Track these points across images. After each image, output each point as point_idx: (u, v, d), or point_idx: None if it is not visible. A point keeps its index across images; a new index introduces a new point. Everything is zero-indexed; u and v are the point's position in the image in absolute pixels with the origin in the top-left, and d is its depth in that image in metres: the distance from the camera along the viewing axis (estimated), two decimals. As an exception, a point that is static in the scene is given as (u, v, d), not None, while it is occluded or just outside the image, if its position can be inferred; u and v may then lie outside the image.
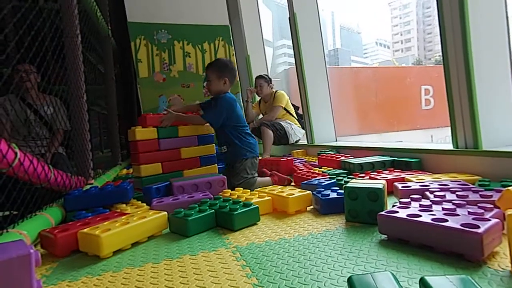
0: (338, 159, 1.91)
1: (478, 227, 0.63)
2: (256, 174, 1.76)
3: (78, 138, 1.57)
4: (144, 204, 1.24)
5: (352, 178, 1.42)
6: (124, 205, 1.24)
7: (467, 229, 0.64)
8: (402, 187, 1.16)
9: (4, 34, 0.90)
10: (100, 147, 4.95)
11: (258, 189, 1.36)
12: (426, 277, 0.46)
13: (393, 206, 0.92)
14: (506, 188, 0.74)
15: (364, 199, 0.97)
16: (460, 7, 1.33)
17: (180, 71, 3.21)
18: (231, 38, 3.44)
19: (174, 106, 1.87)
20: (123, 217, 1.00)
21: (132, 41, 3.06)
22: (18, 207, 0.98)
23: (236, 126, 1.72)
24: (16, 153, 0.88)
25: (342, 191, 1.10)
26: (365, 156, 1.83)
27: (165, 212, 1.04)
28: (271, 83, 3.10)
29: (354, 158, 1.84)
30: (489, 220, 0.67)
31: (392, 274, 0.49)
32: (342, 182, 1.37)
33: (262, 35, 4.21)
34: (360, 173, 1.54)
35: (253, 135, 1.81)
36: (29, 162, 0.91)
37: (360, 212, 0.98)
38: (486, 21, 1.36)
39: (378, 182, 1.03)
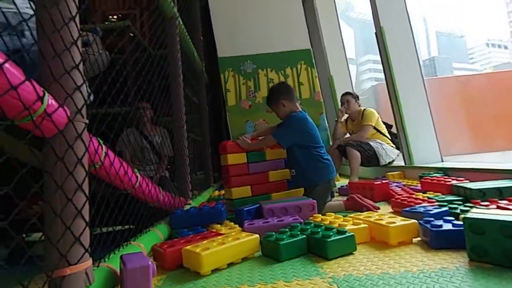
0: (448, 183, 1.63)
1: None
2: (329, 198, 1.65)
3: (179, 162, 1.79)
4: (237, 226, 1.29)
5: (471, 207, 1.18)
6: (219, 225, 1.32)
7: None
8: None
9: (125, 78, 1.12)
10: (195, 170, 5.54)
11: (352, 215, 1.26)
12: None
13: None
14: None
15: (494, 234, 0.78)
16: None
17: (265, 97, 3.37)
18: (313, 60, 3.47)
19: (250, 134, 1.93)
20: (219, 237, 1.06)
21: (221, 74, 3.41)
22: (137, 222, 1.15)
23: (305, 146, 1.64)
24: (137, 177, 1.05)
25: (460, 223, 0.92)
26: (486, 180, 1.51)
27: (257, 235, 1.06)
28: (358, 100, 2.95)
29: (471, 182, 1.54)
30: None
31: None
32: (458, 211, 1.15)
33: (345, 54, 4.12)
34: (482, 201, 1.27)
35: (327, 156, 1.69)
36: (146, 185, 1.07)
37: (491, 250, 0.79)
38: None
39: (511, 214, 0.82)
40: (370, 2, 2.65)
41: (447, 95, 6.68)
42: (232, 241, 0.99)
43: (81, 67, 0.68)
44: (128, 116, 2.30)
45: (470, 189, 1.37)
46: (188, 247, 0.97)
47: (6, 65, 0.50)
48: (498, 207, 1.12)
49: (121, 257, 0.71)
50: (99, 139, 0.79)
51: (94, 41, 1.25)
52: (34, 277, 0.84)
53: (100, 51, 0.99)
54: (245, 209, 1.42)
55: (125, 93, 1.08)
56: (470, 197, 1.36)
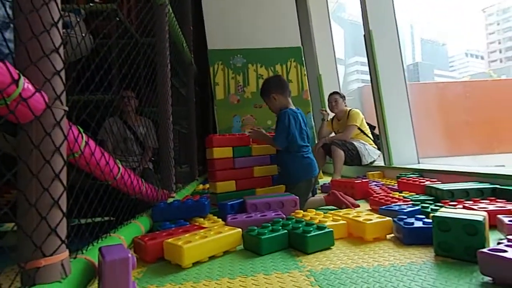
0: (422, 183, 1.70)
1: None
2: (310, 195, 1.68)
3: (164, 155, 1.76)
4: (220, 220, 1.30)
5: (441, 206, 1.24)
6: (202, 219, 1.32)
7: None
8: (510, 221, 0.96)
9: (109, 65, 1.09)
10: (179, 163, 5.49)
11: (332, 212, 1.29)
12: None
13: (499, 243, 0.77)
14: None
15: (459, 232, 0.84)
16: None
17: (253, 92, 3.38)
18: (303, 58, 3.49)
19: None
20: (201, 230, 1.06)
21: (211, 66, 3.37)
22: (117, 214, 1.13)
23: (290, 144, 1.66)
24: (119, 168, 1.03)
25: (430, 221, 0.97)
26: (456, 182, 1.59)
27: (240, 229, 1.07)
28: (345, 100, 3.00)
29: (442, 183, 1.62)
30: None
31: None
32: (429, 210, 1.21)
33: (334, 54, 4.17)
34: (451, 201, 1.34)
35: (310, 155, 1.71)
36: (128, 176, 1.06)
37: (455, 246, 0.85)
38: None
39: (476, 214, 0.88)
40: (361, 5, 2.68)
41: (426, 100, 6.93)
42: (214, 235, 1.00)
43: (61, 50, 0.66)
44: (111, 104, 2.24)
45: (441, 190, 1.44)
46: (169, 239, 0.97)
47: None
48: (464, 207, 1.20)
49: (99, 249, 0.70)
50: (79, 127, 0.77)
51: (77, 23, 1.20)
52: (5, 268, 0.82)
53: (83, 35, 0.95)
54: (228, 203, 1.43)
55: (109, 81, 1.05)
56: (440, 197, 1.44)
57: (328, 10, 4.26)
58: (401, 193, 1.75)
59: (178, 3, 2.42)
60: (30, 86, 0.58)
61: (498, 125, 6.90)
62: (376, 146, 2.87)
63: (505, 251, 0.70)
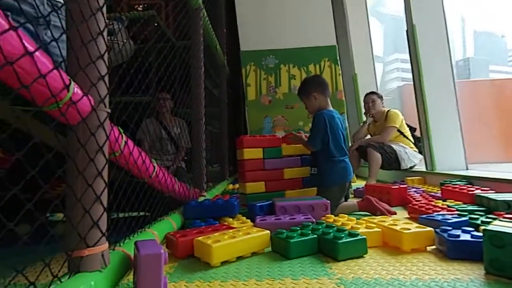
0: (471, 192, 1.56)
1: None
2: (343, 200, 1.63)
3: (196, 154, 1.82)
4: (248, 220, 1.31)
5: (494, 219, 1.13)
6: (231, 219, 1.34)
7: None
8: None
9: (147, 68, 1.15)
10: (210, 162, 5.62)
11: (366, 218, 1.24)
12: None
13: None
14: None
15: (515, 249, 0.75)
16: None
17: (285, 93, 3.36)
18: (337, 57, 3.39)
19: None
20: (230, 230, 1.07)
21: (243, 68, 3.41)
22: (152, 210, 1.18)
23: (326, 146, 1.62)
24: (154, 167, 1.08)
25: (479, 234, 0.88)
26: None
27: (268, 231, 1.06)
28: (382, 100, 2.86)
29: (496, 192, 1.47)
30: None
31: None
32: (479, 222, 1.10)
33: (372, 52, 4.00)
34: (506, 213, 1.21)
35: (346, 159, 1.65)
36: (162, 175, 1.10)
37: (508, 264, 0.76)
38: None
39: (537, 229, 0.78)
40: (403, -3, 2.54)
41: (479, 100, 6.31)
42: (243, 235, 1.01)
43: (105, 56, 0.71)
44: (148, 106, 2.36)
45: (495, 200, 1.31)
46: (200, 238, 1.00)
47: (37, 53, 0.53)
48: (524, 221, 1.06)
49: (135, 243, 0.74)
50: (119, 128, 0.81)
51: (119, 30, 1.28)
52: (56, 255, 0.89)
53: (125, 41, 1.01)
54: (257, 204, 1.43)
55: (146, 83, 1.10)
56: (493, 208, 1.30)
57: (366, 4, 4.09)
58: (445, 201, 1.62)
59: (212, 7, 2.48)
60: (79, 90, 0.63)
61: None
62: (417, 150, 2.70)
63: None
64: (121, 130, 0.81)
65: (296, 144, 1.79)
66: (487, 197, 1.37)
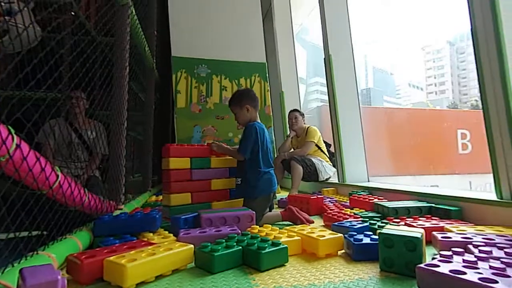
0: (371, 201, 1.80)
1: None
2: (267, 210, 1.69)
3: (114, 162, 1.64)
4: (171, 235, 1.22)
5: (386, 223, 1.32)
6: (152, 234, 1.23)
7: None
8: (442, 237, 1.05)
9: (59, 62, 1.00)
10: (132, 172, 5.15)
11: (288, 227, 1.29)
12: None
13: (433, 258, 0.83)
14: None
15: (400, 248, 0.89)
16: (498, 51, 1.29)
17: (216, 103, 3.35)
18: (267, 74, 3.57)
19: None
20: (149, 247, 0.98)
21: (173, 74, 3.28)
22: (51, 227, 1.00)
23: (254, 157, 1.66)
24: (57, 176, 0.92)
25: (376, 237, 1.01)
26: (400, 200, 1.72)
27: (192, 246, 1.01)
28: (303, 117, 3.11)
29: (388, 201, 1.73)
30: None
31: None
32: (376, 226, 1.27)
33: (296, 73, 4.33)
34: (395, 218, 1.44)
35: (271, 171, 1.72)
36: (68, 185, 0.95)
37: (396, 261, 0.90)
38: None
39: (415, 231, 0.94)
40: (322, 31, 2.85)
41: (376, 123, 7.61)
42: (163, 252, 0.93)
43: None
44: (55, 104, 2.03)
45: (387, 207, 1.54)
46: (111, 257, 0.88)
47: None
48: (406, 224, 1.28)
49: (20, 271, 0.60)
50: (10, 127, 0.67)
51: (20, 10, 1.06)
52: None
53: (28, 24, 0.84)
54: (182, 217, 1.35)
55: (54, 78, 0.94)
56: (386, 214, 1.53)
57: (293, 31, 4.45)
58: (353, 209, 1.83)
59: (142, 6, 2.34)
60: None
61: (433, 149, 7.75)
62: (331, 163, 2.99)
63: (438, 266, 0.75)
64: (12, 130, 0.66)
65: (220, 153, 1.78)
66: (382, 205, 1.60)
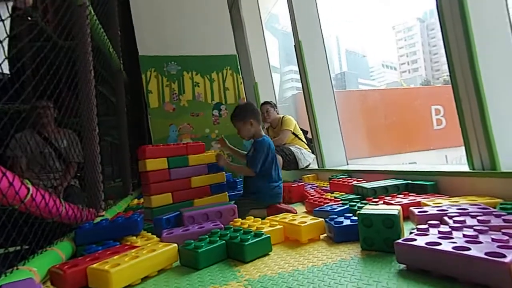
0: (350, 183, 1.86)
1: (505, 256, 0.59)
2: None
3: (89, 170, 1.60)
4: (154, 236, 1.22)
5: (365, 204, 1.38)
6: (135, 237, 1.22)
7: (493, 258, 0.60)
8: (419, 212, 1.11)
9: (21, 71, 0.96)
10: (112, 177, 5.02)
11: (270, 217, 1.33)
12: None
13: (410, 233, 0.88)
14: None
15: (379, 226, 0.94)
16: (464, 27, 1.34)
17: (189, 100, 3.31)
18: (239, 67, 3.55)
19: (223, 147, 1.91)
20: (132, 250, 0.98)
21: (143, 74, 3.19)
22: (30, 241, 0.98)
23: (268, 172, 1.69)
24: (28, 189, 0.89)
25: (356, 218, 1.06)
26: (378, 180, 1.78)
27: (175, 245, 1.02)
28: (276, 108, 3.15)
29: (367, 182, 1.79)
30: (515, 247, 0.63)
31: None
32: (355, 208, 1.33)
33: (268, 63, 4.34)
34: (374, 198, 1.49)
35: (281, 184, 1.75)
36: (41, 197, 0.92)
37: (376, 240, 0.94)
38: (492, 37, 1.36)
39: (393, 208, 0.99)
40: (290, 17, 2.86)
41: (351, 106, 7.84)
42: (147, 254, 0.94)
43: None
44: (19, 116, 1.93)
45: (366, 188, 1.60)
46: (94, 265, 0.88)
47: None
48: (384, 203, 1.34)
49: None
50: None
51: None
52: None
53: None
54: (164, 217, 1.35)
55: (16, 89, 0.90)
56: (366, 195, 1.59)
57: (261, 20, 4.43)
58: (333, 193, 1.88)
59: (102, 5, 2.24)
60: None
61: (408, 127, 8.07)
62: (310, 150, 3.06)
63: (415, 239, 0.80)
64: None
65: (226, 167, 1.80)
66: (360, 186, 1.67)
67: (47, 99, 2.10)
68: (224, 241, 1.04)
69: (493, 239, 0.71)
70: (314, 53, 2.79)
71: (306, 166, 3.00)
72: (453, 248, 0.69)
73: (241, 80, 3.54)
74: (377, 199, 1.45)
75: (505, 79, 1.36)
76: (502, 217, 0.88)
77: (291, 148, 2.91)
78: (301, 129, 3.16)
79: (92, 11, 1.78)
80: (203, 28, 3.49)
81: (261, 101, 3.54)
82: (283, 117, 3.08)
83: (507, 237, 0.70)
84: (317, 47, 2.82)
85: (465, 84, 1.38)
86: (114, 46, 2.67)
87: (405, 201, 1.34)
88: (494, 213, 0.96)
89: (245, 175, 1.77)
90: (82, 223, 1.25)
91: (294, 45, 2.83)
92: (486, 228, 0.80)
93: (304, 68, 2.75)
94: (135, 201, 2.58)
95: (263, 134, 1.80)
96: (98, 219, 1.44)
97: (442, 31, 1.46)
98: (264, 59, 4.31)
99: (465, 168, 1.43)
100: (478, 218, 0.91)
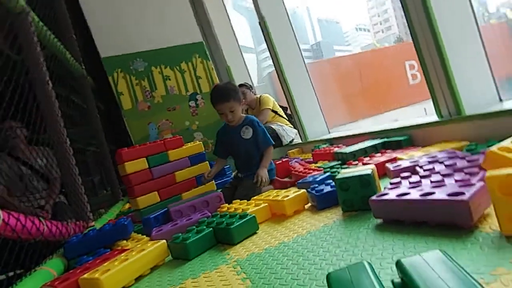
0: (332, 151, 1.89)
1: (464, 193, 0.63)
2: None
3: (68, 183, 1.57)
4: (144, 236, 1.23)
5: (346, 168, 1.41)
6: (125, 241, 1.23)
7: (453, 198, 0.63)
8: (394, 167, 1.15)
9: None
10: (103, 186, 4.95)
11: (255, 197, 1.35)
12: (401, 260, 0.46)
13: (384, 188, 0.92)
14: (489, 149, 0.73)
15: (356, 188, 0.96)
16: None
17: (163, 96, 3.23)
18: (207, 53, 3.47)
19: (212, 171, 1.73)
20: (122, 254, 0.99)
21: (109, 76, 3.08)
22: (21, 265, 0.97)
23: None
24: None
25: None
26: (358, 143, 1.81)
27: (164, 241, 1.03)
28: (252, 89, 3.12)
29: (347, 147, 1.82)
30: (474, 184, 0.66)
31: (368, 263, 0.48)
32: (336, 174, 1.36)
33: (238, 45, 4.25)
34: (354, 161, 1.53)
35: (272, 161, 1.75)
36: (15, 220, 0.91)
37: (355, 200, 0.97)
38: None
39: (367, 168, 1.02)
40: (250, -7, 2.78)
41: (326, 76, 7.86)
42: (136, 254, 0.95)
43: None
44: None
45: (345, 153, 1.64)
46: (85, 275, 0.88)
47: None
48: (363, 163, 1.38)
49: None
50: None
51: None
52: None
53: None
54: (151, 216, 1.36)
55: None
56: (346, 159, 1.62)
57: (223, 2, 4.29)
58: (316, 163, 1.92)
59: (47, 10, 2.12)
60: None
61: (385, 87, 8.18)
62: (292, 126, 3.08)
63: (387, 193, 0.83)
64: None
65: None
66: (341, 152, 1.70)
67: (12, 119, 2.02)
68: (211, 228, 1.05)
69: (456, 180, 0.74)
70: (280, 28, 2.74)
71: (290, 142, 3.02)
72: (420, 195, 0.72)
73: (212, 66, 3.47)
74: (356, 162, 1.48)
75: (462, 31, 1.39)
76: (466, 158, 0.92)
77: (272, 126, 2.92)
78: (281, 106, 3.16)
79: (36, 17, 1.68)
80: (163, 19, 3.36)
81: (237, 83, 3.50)
82: (260, 96, 3.06)
83: (468, 177, 0.73)
84: (282, 21, 2.77)
85: (425, 38, 1.40)
86: (71, 51, 2.54)
87: (382, 158, 1.38)
88: (459, 156, 1.00)
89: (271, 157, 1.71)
90: (70, 237, 1.24)
91: (259, 23, 2.77)
92: (451, 171, 0.83)
93: (272, 45, 2.71)
94: (127, 205, 2.57)
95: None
96: (87, 230, 1.43)
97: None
98: (233, 41, 4.21)
99: (435, 118, 1.48)
100: (445, 163, 0.95)
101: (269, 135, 1.72)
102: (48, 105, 1.54)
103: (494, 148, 0.71)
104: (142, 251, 0.97)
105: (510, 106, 1.21)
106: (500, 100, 1.40)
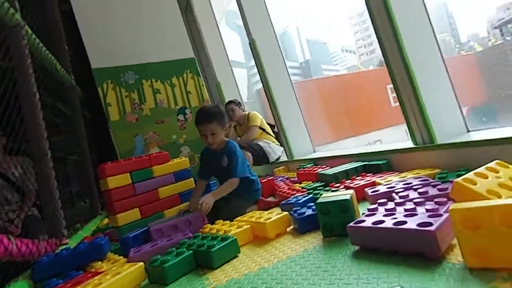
0: (315, 171, 1.91)
1: (431, 224, 0.65)
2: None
3: (45, 197, 1.52)
4: (121, 257, 1.19)
5: (328, 190, 1.43)
6: (100, 262, 1.18)
7: (421, 228, 0.65)
8: (371, 192, 1.18)
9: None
10: (81, 197, 4.78)
11: (237, 218, 1.34)
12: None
13: (363, 214, 0.93)
14: (455, 180, 0.76)
15: (335, 212, 0.98)
16: (389, 18, 1.44)
17: (152, 108, 3.22)
18: (198, 69, 3.50)
19: (194, 198, 1.64)
20: (96, 277, 0.95)
21: (99, 87, 3.05)
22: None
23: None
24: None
25: (316, 207, 1.10)
26: (341, 164, 1.85)
27: (141, 263, 1.00)
28: (241, 105, 3.16)
29: (330, 168, 1.85)
30: (442, 215, 0.68)
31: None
32: (318, 196, 1.37)
33: (229, 61, 4.32)
34: (336, 183, 1.55)
35: (258, 180, 1.75)
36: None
37: (334, 225, 0.98)
38: (412, 25, 1.47)
39: (346, 193, 1.04)
40: (241, 16, 2.87)
41: (312, 95, 8.07)
42: (110, 279, 0.91)
43: None
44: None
45: (328, 174, 1.66)
46: (55, 299, 0.84)
47: None
48: (345, 187, 1.40)
49: None
50: None
51: None
52: None
53: None
54: (130, 235, 1.32)
55: None
56: (329, 181, 1.65)
57: (216, 19, 4.39)
58: (301, 183, 1.93)
59: (41, 22, 2.12)
60: None
61: (368, 108, 8.46)
62: (279, 143, 3.11)
63: (364, 220, 0.84)
64: None
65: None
66: (324, 173, 1.72)
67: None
68: (191, 251, 1.03)
69: (426, 210, 0.77)
70: (269, 49, 2.84)
71: (277, 159, 3.04)
72: (394, 224, 0.74)
73: (203, 83, 3.49)
74: (338, 184, 1.51)
75: (429, 65, 1.48)
76: (437, 187, 0.95)
77: (259, 143, 2.94)
78: (268, 124, 3.20)
79: (29, 30, 1.67)
80: (157, 34, 3.39)
81: (226, 99, 3.53)
82: (248, 113, 3.10)
83: (437, 206, 0.76)
84: (271, 43, 2.86)
85: (398, 68, 1.49)
86: (62, 62, 2.53)
87: (362, 182, 1.41)
88: (432, 183, 1.04)
89: (232, 189, 1.59)
90: (40, 257, 1.18)
91: (249, 43, 2.85)
92: (423, 199, 0.86)
93: (261, 64, 2.78)
94: (105, 220, 2.49)
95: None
96: (59, 249, 1.38)
97: (371, 20, 1.56)
98: (224, 58, 4.29)
99: (410, 144, 1.54)
100: (419, 190, 0.99)
101: (243, 167, 1.63)
102: (32, 116, 1.51)
103: (460, 179, 0.75)
104: (117, 274, 0.94)
105: (477, 137, 1.27)
106: (468, 131, 1.47)
